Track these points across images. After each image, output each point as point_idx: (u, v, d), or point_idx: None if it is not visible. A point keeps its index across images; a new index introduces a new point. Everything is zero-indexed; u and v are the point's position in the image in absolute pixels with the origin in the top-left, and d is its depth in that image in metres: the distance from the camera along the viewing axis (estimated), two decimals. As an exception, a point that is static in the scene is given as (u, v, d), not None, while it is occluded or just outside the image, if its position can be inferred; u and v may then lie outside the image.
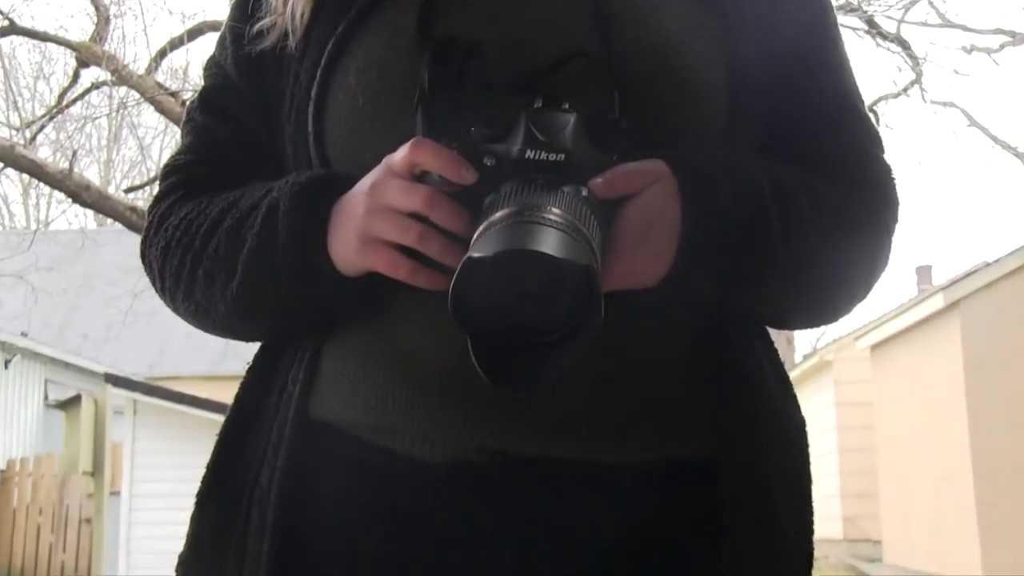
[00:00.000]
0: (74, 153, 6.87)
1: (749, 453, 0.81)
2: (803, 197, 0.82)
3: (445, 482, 0.80)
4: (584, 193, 0.72)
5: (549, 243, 0.64)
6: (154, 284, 0.89)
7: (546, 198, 0.69)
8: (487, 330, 0.67)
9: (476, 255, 0.64)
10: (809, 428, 0.87)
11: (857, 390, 9.66)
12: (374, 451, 0.82)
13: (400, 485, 0.82)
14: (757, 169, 0.81)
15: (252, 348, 0.91)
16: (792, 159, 0.86)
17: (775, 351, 0.89)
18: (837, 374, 9.99)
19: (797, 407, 0.88)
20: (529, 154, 0.72)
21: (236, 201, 0.84)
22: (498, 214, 0.68)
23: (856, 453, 9.67)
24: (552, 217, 0.67)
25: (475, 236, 0.69)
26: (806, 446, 0.87)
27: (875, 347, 8.90)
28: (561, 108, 0.75)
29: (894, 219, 0.89)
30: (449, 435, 0.79)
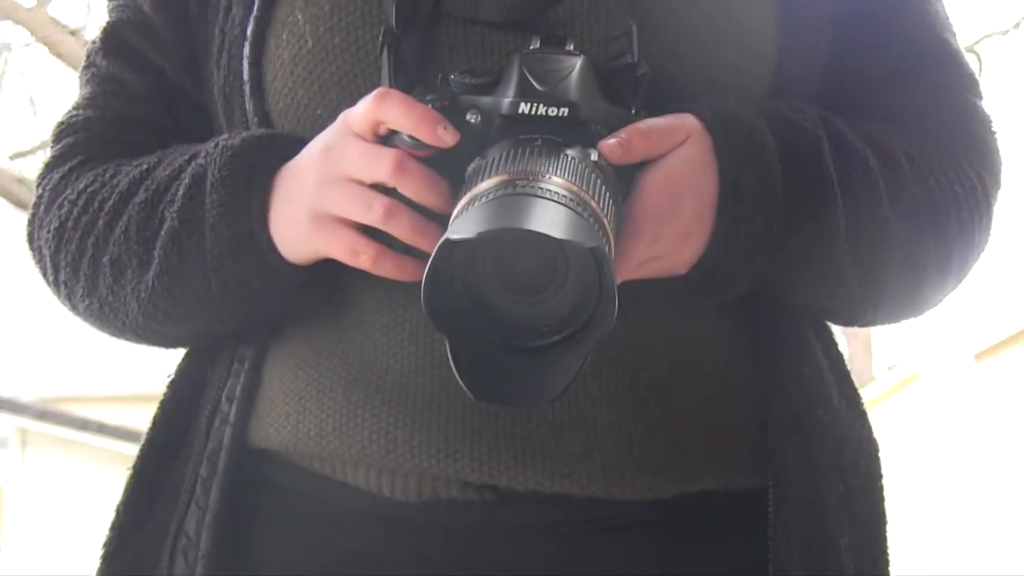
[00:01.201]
0: (-57, 109, 6.83)
1: (805, 486, 0.82)
2: (874, 157, 0.82)
3: (420, 525, 0.82)
4: (593, 157, 0.73)
5: (549, 220, 0.65)
6: (45, 276, 0.90)
7: (545, 164, 0.70)
8: (471, 331, 0.68)
9: (456, 236, 0.64)
10: (892, 458, 0.88)
11: (957, 411, 9.65)
12: (331, 488, 0.84)
13: (364, 529, 0.83)
14: (815, 123, 0.82)
15: (175, 357, 0.92)
16: (861, 111, 0.86)
17: (839, 356, 0.90)
18: (930, 391, 9.96)
19: (868, 428, 0.89)
20: (523, 108, 0.73)
21: (151, 170, 0.85)
22: (484, 184, 0.69)
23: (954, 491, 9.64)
24: (552, 188, 0.67)
25: (455, 212, 0.69)
26: (879, 478, 0.88)
27: (981, 355, 8.88)
28: (564, 50, 0.76)
29: (995, 184, 0.89)
30: (426, 467, 0.80)
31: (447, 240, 0.65)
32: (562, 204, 0.66)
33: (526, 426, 0.79)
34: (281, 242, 0.80)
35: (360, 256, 0.77)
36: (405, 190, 0.75)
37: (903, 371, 10.52)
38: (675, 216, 0.77)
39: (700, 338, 0.84)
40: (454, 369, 0.68)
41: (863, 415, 0.90)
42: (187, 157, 0.84)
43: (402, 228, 0.76)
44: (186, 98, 0.91)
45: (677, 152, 0.77)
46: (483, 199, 0.67)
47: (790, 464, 0.83)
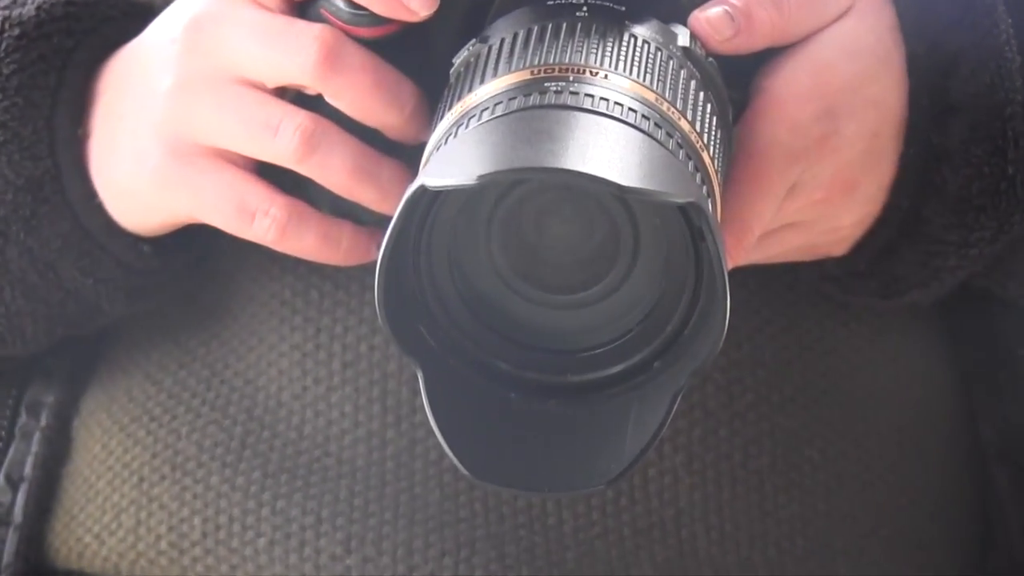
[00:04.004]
0: None
1: None
2: None
3: None
4: (682, 41, 0.73)
5: (606, 154, 0.63)
6: None
7: (596, 51, 0.70)
8: (462, 357, 0.69)
9: (436, 183, 0.63)
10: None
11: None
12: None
13: None
14: None
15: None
16: None
17: None
18: None
19: None
20: None
21: None
22: (487, 88, 0.69)
23: None
24: (611, 95, 0.67)
25: (434, 140, 0.69)
26: None
27: None
28: None
29: None
30: None
31: (420, 189, 0.63)
32: (630, 124, 0.66)
33: (556, 533, 0.81)
34: (111, 195, 0.81)
35: (257, 220, 0.77)
36: (340, 98, 0.75)
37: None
38: (828, 150, 0.77)
39: (869, 374, 0.85)
40: (434, 425, 0.67)
41: None
42: None
43: (334, 168, 0.76)
44: None
45: (831, 33, 0.78)
46: (485, 115, 0.67)
47: None
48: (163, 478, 0.84)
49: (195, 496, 0.83)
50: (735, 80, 0.75)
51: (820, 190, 0.77)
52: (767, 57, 0.76)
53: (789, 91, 0.76)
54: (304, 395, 0.83)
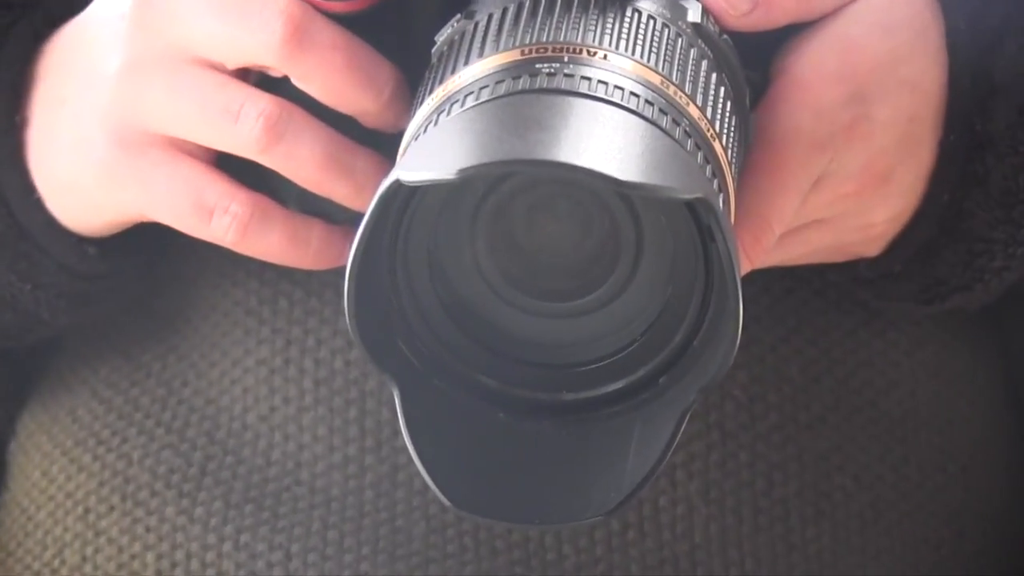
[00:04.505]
0: None
1: None
2: None
3: None
4: (692, 17, 0.73)
5: (605, 145, 0.64)
6: None
7: (595, 29, 0.70)
8: (443, 373, 0.69)
9: (414, 176, 0.63)
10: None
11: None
12: None
13: None
14: None
15: None
16: None
17: None
18: None
19: None
20: None
21: None
22: (472, 70, 0.69)
23: None
24: (611, 78, 0.67)
25: (412, 128, 0.69)
26: None
27: None
28: None
29: None
30: None
31: (395, 184, 0.63)
32: (631, 111, 0.66)
33: (555, 569, 0.81)
34: (52, 189, 0.81)
35: (215, 218, 0.77)
36: (309, 81, 0.75)
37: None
38: (858, 137, 0.77)
39: (907, 390, 0.86)
40: (412, 450, 0.67)
41: None
42: None
43: (302, 159, 0.75)
44: None
45: (861, 6, 0.78)
46: (468, 100, 0.67)
47: None
48: (112, 509, 0.84)
49: (148, 529, 0.83)
50: (753, 60, 0.75)
51: (850, 182, 0.76)
52: (789, 34, 0.77)
53: (814, 72, 0.76)
54: (272, 416, 0.83)
